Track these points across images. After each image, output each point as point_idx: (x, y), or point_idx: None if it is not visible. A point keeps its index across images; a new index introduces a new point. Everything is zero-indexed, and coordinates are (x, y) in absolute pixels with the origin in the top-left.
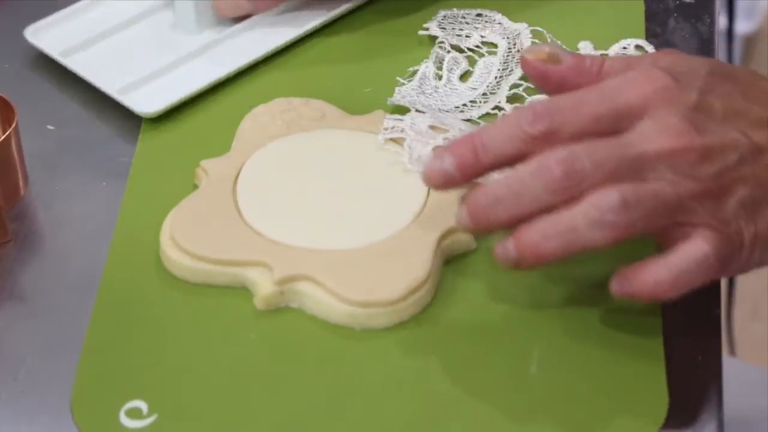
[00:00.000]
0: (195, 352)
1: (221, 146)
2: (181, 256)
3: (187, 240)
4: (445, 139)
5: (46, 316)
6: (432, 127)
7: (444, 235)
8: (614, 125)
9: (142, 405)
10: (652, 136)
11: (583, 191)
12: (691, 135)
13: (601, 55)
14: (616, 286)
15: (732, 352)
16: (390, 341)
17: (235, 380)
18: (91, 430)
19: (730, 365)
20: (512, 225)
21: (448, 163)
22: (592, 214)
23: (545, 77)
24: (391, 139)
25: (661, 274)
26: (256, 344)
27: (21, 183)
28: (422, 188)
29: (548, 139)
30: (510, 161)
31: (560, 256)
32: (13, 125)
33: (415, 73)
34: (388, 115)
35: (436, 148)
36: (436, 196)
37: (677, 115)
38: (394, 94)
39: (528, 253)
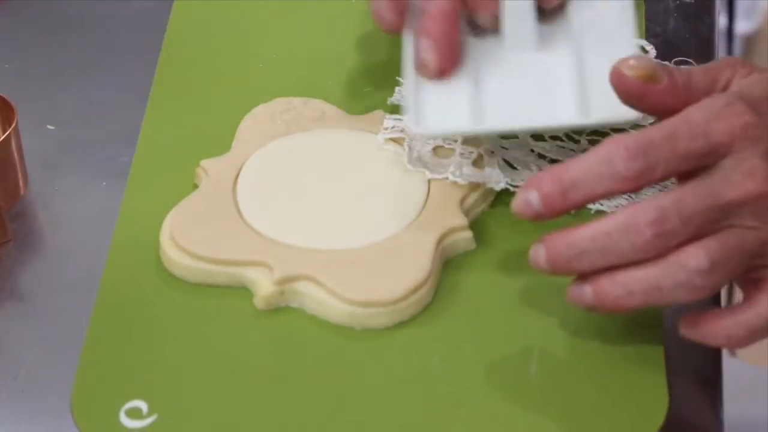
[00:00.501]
0: (195, 352)
1: (221, 146)
2: (181, 256)
3: (187, 240)
4: (445, 140)
5: (46, 316)
6: None
7: (444, 235)
8: (701, 162)
9: (142, 405)
10: (737, 180)
11: (671, 248)
12: None
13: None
14: (685, 330)
15: (732, 352)
16: (390, 341)
17: (235, 380)
18: (91, 430)
19: (730, 365)
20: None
21: (535, 199)
22: (680, 277)
23: (642, 98)
24: (391, 139)
25: (735, 330)
26: (256, 344)
27: (21, 183)
28: (422, 188)
29: (641, 178)
30: (599, 199)
31: (640, 308)
32: (13, 125)
33: None
34: (388, 115)
35: (529, 180)
36: (436, 196)
37: (762, 156)
38: (394, 94)
39: (608, 304)
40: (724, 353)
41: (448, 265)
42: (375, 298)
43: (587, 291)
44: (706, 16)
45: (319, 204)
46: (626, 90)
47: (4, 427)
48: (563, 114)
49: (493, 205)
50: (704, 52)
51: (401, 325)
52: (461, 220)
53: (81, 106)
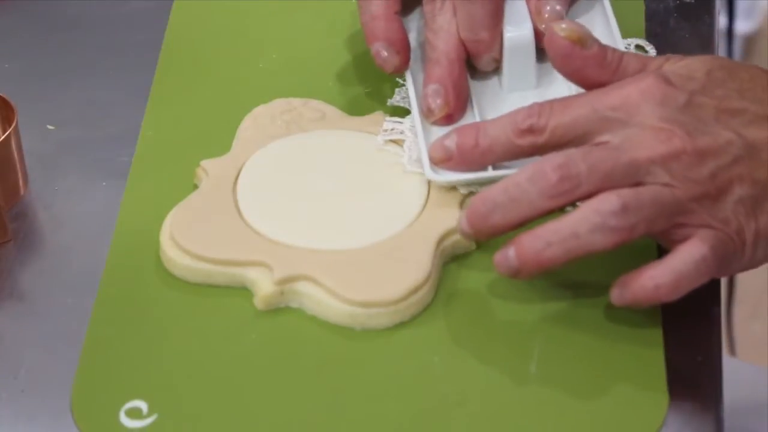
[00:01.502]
0: (195, 352)
1: (221, 146)
2: (181, 256)
3: (187, 240)
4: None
5: (46, 315)
6: None
7: (444, 236)
8: (602, 126)
9: (142, 405)
10: (642, 141)
11: (578, 196)
12: (681, 138)
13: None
14: (616, 295)
15: (732, 351)
16: (390, 341)
17: (235, 380)
18: (91, 430)
19: (730, 365)
20: (511, 231)
21: (450, 141)
22: (594, 219)
23: (568, 58)
24: (391, 141)
25: (660, 277)
26: (256, 344)
27: (21, 183)
28: (422, 189)
29: (534, 131)
30: (506, 156)
31: (562, 262)
32: (13, 125)
33: None
34: (388, 117)
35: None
36: (436, 196)
37: (668, 119)
38: (394, 96)
39: (530, 261)
40: (724, 353)
41: (448, 265)
42: (375, 298)
43: (510, 253)
44: (706, 16)
45: (319, 204)
46: (555, 49)
47: (4, 427)
48: None
49: None
50: (704, 52)
51: (401, 325)
52: None
53: (81, 106)
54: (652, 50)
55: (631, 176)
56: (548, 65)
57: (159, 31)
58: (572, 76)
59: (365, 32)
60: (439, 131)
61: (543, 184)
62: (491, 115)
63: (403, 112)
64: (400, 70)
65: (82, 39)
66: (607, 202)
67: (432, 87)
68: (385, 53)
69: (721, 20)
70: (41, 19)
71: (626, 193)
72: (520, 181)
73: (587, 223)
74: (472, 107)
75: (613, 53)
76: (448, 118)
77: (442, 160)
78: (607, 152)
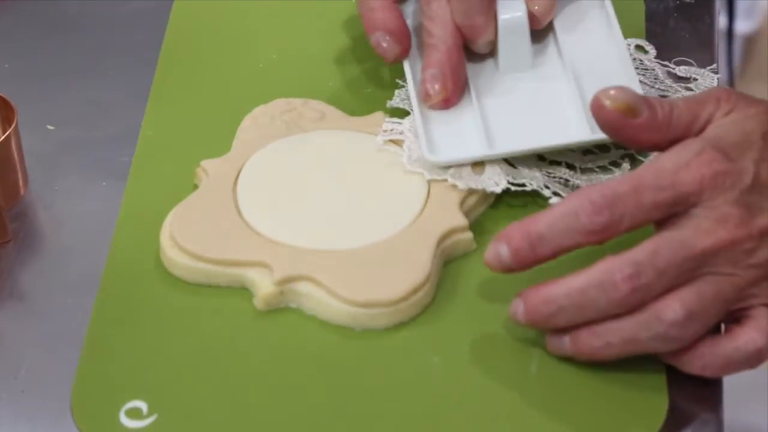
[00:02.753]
0: (195, 352)
1: (221, 146)
2: (181, 256)
3: (187, 240)
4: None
5: (46, 315)
6: None
7: (444, 236)
8: (670, 211)
9: (142, 405)
10: (709, 228)
11: (647, 302)
12: (746, 222)
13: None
14: (668, 357)
15: None
16: (390, 341)
17: (235, 380)
18: (91, 430)
19: None
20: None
21: (505, 253)
22: (657, 328)
23: (620, 130)
24: (391, 141)
25: (711, 360)
26: (256, 344)
27: (21, 183)
28: (422, 189)
29: (607, 231)
30: (569, 251)
31: (616, 359)
32: (13, 125)
33: None
34: (387, 118)
35: (500, 233)
36: (437, 197)
37: (733, 203)
38: (394, 97)
39: (585, 354)
40: None
41: (448, 265)
42: (375, 298)
43: (566, 342)
44: (706, 16)
45: (319, 204)
46: (604, 120)
47: (4, 427)
48: (574, 132)
49: (493, 206)
50: (704, 52)
51: (401, 325)
52: (461, 221)
53: (81, 106)
54: (652, 50)
55: (695, 269)
56: (542, 45)
57: (159, 31)
58: (624, 142)
59: (364, 22)
60: (437, 115)
61: (613, 296)
62: (488, 97)
63: (402, 113)
64: (401, 59)
65: (83, 39)
66: (671, 311)
67: (430, 72)
68: (385, 43)
69: (721, 20)
70: (41, 19)
71: (690, 301)
72: (586, 288)
73: (649, 332)
74: (469, 90)
75: (662, 110)
76: (446, 102)
77: (502, 271)
78: (675, 249)
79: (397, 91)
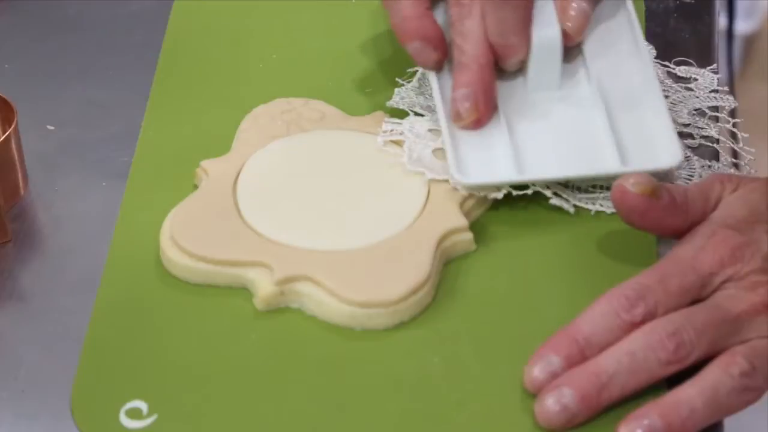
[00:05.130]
0: (195, 352)
1: (221, 146)
2: (181, 256)
3: (187, 240)
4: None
5: (46, 316)
6: (431, 130)
7: (444, 237)
8: (699, 293)
9: (142, 405)
10: (741, 296)
11: (690, 363)
12: None
13: None
14: None
15: None
16: (390, 342)
17: (235, 380)
18: (91, 430)
19: None
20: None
21: (556, 362)
22: (731, 384)
23: (646, 213)
24: (391, 141)
25: None
26: (256, 344)
27: (21, 183)
28: (422, 189)
29: (646, 321)
30: (611, 345)
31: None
32: (13, 125)
33: (414, 74)
34: (387, 118)
35: (534, 356)
36: (437, 197)
37: (759, 271)
38: (394, 96)
39: (677, 430)
40: None
41: (448, 266)
42: (375, 298)
43: (656, 421)
44: (706, 16)
45: (319, 205)
46: (630, 205)
47: (4, 427)
48: (605, 163)
49: (493, 206)
50: (704, 52)
51: (401, 325)
52: (461, 222)
53: (81, 106)
54: (652, 50)
55: (736, 334)
56: (572, 66)
57: (159, 31)
58: (649, 227)
59: (398, 33)
60: (465, 135)
61: (661, 354)
62: (517, 120)
63: (402, 113)
64: (441, 66)
65: (82, 39)
66: (735, 365)
67: (462, 91)
68: (423, 52)
69: (721, 20)
70: (41, 19)
71: (745, 351)
72: (633, 350)
73: (725, 387)
74: (497, 111)
75: (678, 194)
76: (477, 123)
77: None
78: (710, 312)
79: (396, 90)
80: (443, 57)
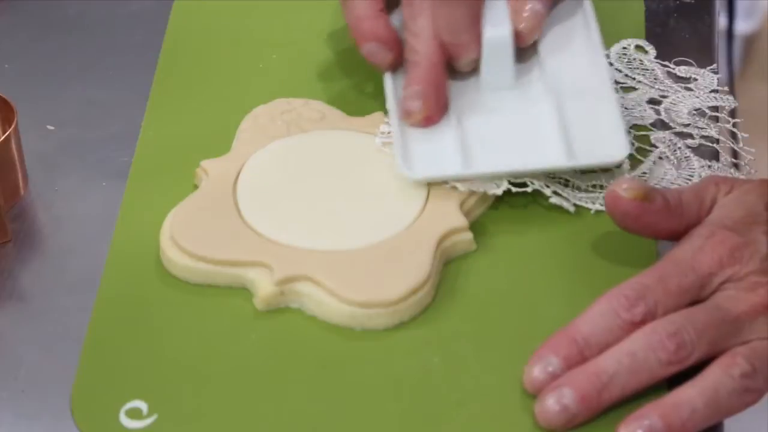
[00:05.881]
0: (195, 352)
1: (221, 146)
2: (181, 256)
3: (187, 240)
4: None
5: (46, 316)
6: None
7: (444, 237)
8: (699, 293)
9: (142, 405)
10: (741, 297)
11: (690, 363)
12: None
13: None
14: None
15: None
16: (390, 342)
17: (235, 380)
18: (91, 430)
19: None
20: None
21: (554, 363)
22: (732, 384)
23: (639, 217)
24: (389, 142)
25: None
26: (256, 344)
27: (21, 183)
28: (422, 189)
29: (646, 321)
30: (609, 347)
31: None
32: (13, 125)
33: None
34: (385, 119)
35: (533, 356)
36: (437, 197)
37: (758, 272)
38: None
39: (676, 429)
40: None
41: (448, 266)
42: (375, 298)
43: (655, 422)
44: (706, 16)
45: (319, 205)
46: (622, 210)
47: (4, 427)
48: (550, 157)
49: (493, 206)
50: (704, 52)
51: (401, 325)
52: (461, 222)
53: (81, 106)
54: (652, 50)
55: (736, 335)
56: (526, 65)
57: (159, 31)
58: (644, 231)
59: (354, 33)
60: (415, 131)
61: (661, 354)
62: (468, 116)
63: None
64: (395, 67)
65: (82, 39)
66: (736, 366)
67: (412, 89)
68: (377, 52)
69: (721, 20)
70: (41, 19)
71: (746, 352)
72: (634, 350)
73: (725, 388)
74: (449, 107)
75: (671, 196)
76: (427, 120)
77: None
78: (710, 312)
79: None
80: (397, 58)
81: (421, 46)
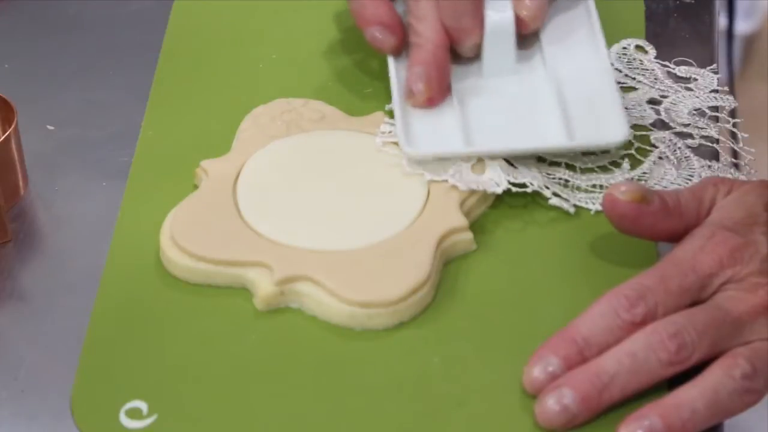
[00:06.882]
0: (195, 352)
1: (221, 146)
2: (181, 256)
3: (187, 240)
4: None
5: (46, 316)
6: None
7: (444, 236)
8: (699, 294)
9: (142, 405)
10: (741, 297)
11: (691, 364)
12: None
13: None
14: None
15: None
16: (390, 341)
17: (235, 380)
18: (91, 430)
19: None
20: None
21: (554, 363)
22: (733, 385)
23: (638, 219)
24: (391, 142)
25: None
26: (256, 344)
27: (21, 183)
28: (422, 189)
29: (646, 321)
30: (609, 348)
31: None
32: (13, 125)
33: None
34: (387, 119)
35: (533, 357)
36: (436, 197)
37: (758, 273)
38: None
39: (677, 430)
40: None
41: (448, 266)
42: (375, 298)
43: (655, 423)
44: (706, 16)
45: (319, 205)
46: (620, 213)
47: (4, 427)
48: (551, 138)
49: (493, 206)
50: (704, 52)
51: (401, 325)
52: (461, 221)
53: (81, 106)
54: (652, 50)
55: (738, 333)
56: (528, 51)
57: (159, 31)
58: (643, 233)
59: (355, 17)
60: (416, 110)
61: (662, 355)
62: (469, 98)
63: None
64: (398, 51)
65: (82, 39)
66: (737, 366)
67: (415, 70)
68: (380, 36)
69: (721, 20)
70: (41, 19)
71: (747, 353)
72: (634, 350)
73: (726, 389)
74: (451, 91)
75: (669, 197)
76: (429, 101)
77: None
78: (711, 313)
79: (387, 106)
80: (401, 42)
81: (425, 29)
